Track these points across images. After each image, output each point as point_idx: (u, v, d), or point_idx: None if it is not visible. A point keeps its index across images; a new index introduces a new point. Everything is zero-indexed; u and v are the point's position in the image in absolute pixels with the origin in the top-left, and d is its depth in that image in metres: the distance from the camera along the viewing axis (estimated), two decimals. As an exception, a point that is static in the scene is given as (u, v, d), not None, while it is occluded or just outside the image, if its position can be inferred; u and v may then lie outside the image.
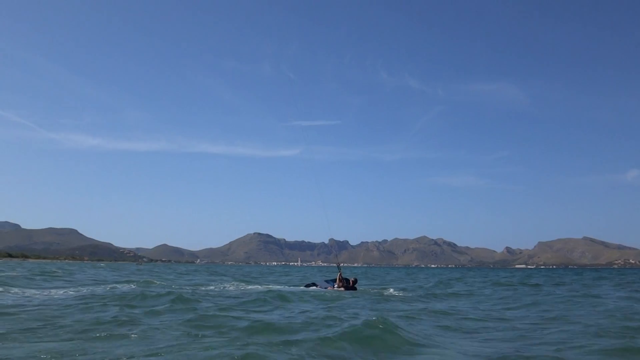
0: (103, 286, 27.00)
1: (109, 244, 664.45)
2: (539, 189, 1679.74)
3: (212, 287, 28.83)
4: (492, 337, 10.68)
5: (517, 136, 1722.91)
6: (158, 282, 29.79)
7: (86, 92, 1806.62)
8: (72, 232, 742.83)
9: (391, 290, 31.18)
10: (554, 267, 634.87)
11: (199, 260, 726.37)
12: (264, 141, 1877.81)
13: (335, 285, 29.71)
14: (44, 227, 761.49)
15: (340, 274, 30.36)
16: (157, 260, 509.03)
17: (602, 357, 8.15)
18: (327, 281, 31.49)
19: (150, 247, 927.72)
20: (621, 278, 51.30)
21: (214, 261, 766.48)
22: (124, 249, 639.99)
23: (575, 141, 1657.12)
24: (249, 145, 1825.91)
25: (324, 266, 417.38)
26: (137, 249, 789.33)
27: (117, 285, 25.66)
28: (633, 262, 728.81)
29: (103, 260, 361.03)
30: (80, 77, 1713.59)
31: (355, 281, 29.66)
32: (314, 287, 29.95)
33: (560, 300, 21.95)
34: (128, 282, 31.00)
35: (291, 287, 30.97)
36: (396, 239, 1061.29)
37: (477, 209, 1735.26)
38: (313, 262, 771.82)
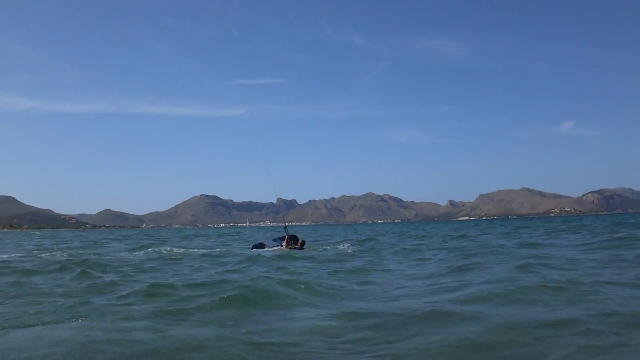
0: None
1: (50, 210, 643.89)
2: (480, 143, 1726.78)
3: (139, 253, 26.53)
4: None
5: (459, 91, 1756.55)
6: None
7: (20, 51, 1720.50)
8: (10, 200, 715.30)
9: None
10: (495, 217, 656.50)
11: (144, 225, 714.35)
12: (209, 101, 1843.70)
13: (284, 245, 28.45)
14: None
15: (287, 234, 29.19)
16: (100, 226, 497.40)
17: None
18: (274, 240, 30.39)
19: (94, 212, 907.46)
20: (545, 227, 51.79)
21: (160, 225, 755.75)
22: (65, 215, 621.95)
23: (513, 95, 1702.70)
24: (194, 105, 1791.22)
25: (273, 226, 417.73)
26: (80, 215, 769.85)
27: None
28: (569, 209, 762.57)
29: (44, 228, 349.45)
30: (13, 36, 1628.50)
31: (303, 242, 28.51)
32: (266, 249, 28.49)
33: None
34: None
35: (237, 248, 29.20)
36: (343, 196, 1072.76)
37: (421, 164, 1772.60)
38: (262, 223, 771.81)
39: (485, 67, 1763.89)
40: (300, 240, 28.62)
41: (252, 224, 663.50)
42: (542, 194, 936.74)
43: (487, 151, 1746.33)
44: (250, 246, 31.15)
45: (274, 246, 29.28)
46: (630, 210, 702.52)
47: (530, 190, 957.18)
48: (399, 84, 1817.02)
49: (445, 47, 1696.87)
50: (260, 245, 29.91)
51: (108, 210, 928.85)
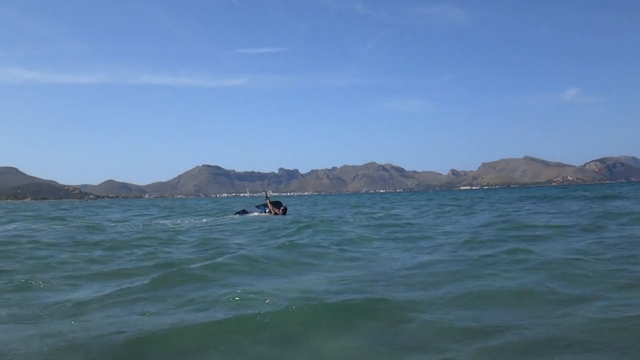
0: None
1: (53, 181, 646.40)
2: (483, 111, 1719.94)
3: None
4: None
5: (462, 59, 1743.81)
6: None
7: (19, 23, 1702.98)
8: (13, 171, 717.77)
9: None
10: (497, 187, 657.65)
11: (147, 195, 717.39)
12: (210, 71, 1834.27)
13: (267, 210, 29.69)
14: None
15: (268, 201, 30.37)
16: (103, 197, 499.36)
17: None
18: (257, 207, 31.15)
19: (96, 183, 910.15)
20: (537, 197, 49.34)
21: (163, 195, 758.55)
22: (68, 186, 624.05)
23: (516, 62, 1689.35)
24: (194, 75, 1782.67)
25: (275, 195, 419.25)
26: (83, 185, 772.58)
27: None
28: (571, 179, 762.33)
29: (47, 199, 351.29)
30: (12, 8, 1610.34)
31: (285, 209, 29.60)
32: (246, 215, 29.40)
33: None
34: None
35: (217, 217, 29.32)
36: (345, 165, 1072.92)
37: (423, 133, 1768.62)
38: (263, 192, 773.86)
39: (487, 33, 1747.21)
40: (282, 207, 29.51)
41: (254, 194, 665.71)
42: (544, 163, 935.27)
43: (489, 119, 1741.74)
44: (234, 212, 31.83)
45: (256, 212, 30.22)
46: (633, 179, 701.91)
47: (532, 159, 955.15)
48: (401, 51, 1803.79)
49: (448, 13, 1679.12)
50: (243, 212, 30.78)
51: (111, 180, 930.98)
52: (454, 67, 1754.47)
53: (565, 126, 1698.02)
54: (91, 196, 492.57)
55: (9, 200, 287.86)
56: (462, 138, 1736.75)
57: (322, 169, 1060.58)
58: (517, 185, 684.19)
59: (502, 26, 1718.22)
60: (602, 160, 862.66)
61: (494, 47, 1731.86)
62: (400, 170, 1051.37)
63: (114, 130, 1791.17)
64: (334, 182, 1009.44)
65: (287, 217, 27.70)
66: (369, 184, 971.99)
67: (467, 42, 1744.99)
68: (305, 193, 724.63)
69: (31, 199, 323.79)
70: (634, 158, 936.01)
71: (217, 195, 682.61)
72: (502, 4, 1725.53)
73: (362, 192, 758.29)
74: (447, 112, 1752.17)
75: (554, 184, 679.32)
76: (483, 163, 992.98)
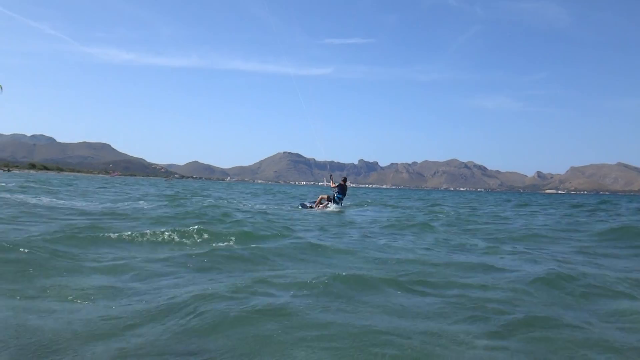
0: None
1: (142, 159, 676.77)
2: (575, 112, 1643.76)
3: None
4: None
5: (556, 57, 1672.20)
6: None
7: (119, 6, 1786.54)
8: (106, 147, 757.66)
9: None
10: (585, 192, 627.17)
11: (229, 178, 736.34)
12: (297, 59, 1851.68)
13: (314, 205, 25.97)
14: (78, 141, 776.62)
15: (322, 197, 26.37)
16: (188, 177, 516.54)
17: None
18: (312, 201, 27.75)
19: (182, 163, 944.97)
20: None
21: (244, 179, 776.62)
22: (156, 164, 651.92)
23: (614, 63, 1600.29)
24: (282, 62, 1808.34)
25: (354, 187, 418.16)
26: (169, 165, 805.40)
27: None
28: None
29: (135, 175, 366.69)
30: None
31: (330, 198, 25.79)
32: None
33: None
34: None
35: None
36: (426, 161, 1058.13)
37: (510, 132, 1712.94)
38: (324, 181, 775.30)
39: (585, 31, 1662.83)
40: (329, 196, 25.84)
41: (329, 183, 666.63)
42: (639, 171, 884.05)
43: (581, 122, 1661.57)
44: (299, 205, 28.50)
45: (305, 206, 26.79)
46: None
47: (626, 166, 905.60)
48: (492, 47, 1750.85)
49: (544, 10, 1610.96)
50: (304, 205, 27.49)
51: (195, 162, 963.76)
52: (547, 65, 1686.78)
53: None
54: (176, 175, 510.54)
55: (100, 175, 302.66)
56: (551, 139, 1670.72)
57: (402, 163, 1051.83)
58: (607, 192, 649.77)
59: (601, 24, 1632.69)
60: None
61: (591, 45, 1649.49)
62: (482, 169, 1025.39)
63: (202, 113, 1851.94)
64: (414, 176, 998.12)
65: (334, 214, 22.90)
66: (450, 181, 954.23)
67: (563, 39, 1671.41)
68: (384, 186, 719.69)
69: (120, 174, 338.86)
70: None
71: (296, 183, 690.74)
72: (603, 2, 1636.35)
73: (442, 188, 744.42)
74: (536, 111, 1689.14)
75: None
76: (571, 167, 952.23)
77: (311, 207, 26.06)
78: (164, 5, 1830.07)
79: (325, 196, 26.25)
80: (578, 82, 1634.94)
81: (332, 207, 25.17)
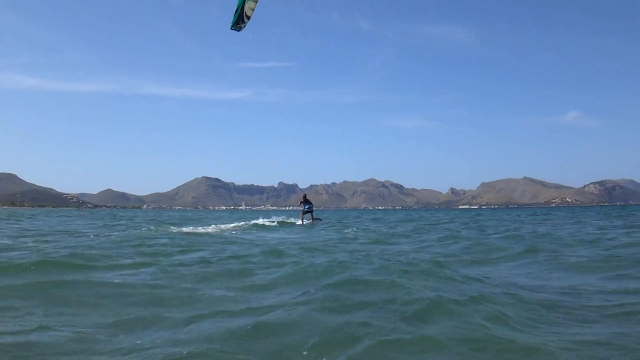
0: None
1: (51, 189, 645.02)
2: (484, 131, 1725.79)
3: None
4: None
5: (465, 79, 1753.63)
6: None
7: (24, 30, 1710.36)
8: (12, 177, 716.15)
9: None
10: (496, 206, 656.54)
11: (145, 206, 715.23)
12: (213, 83, 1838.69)
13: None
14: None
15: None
16: (101, 206, 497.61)
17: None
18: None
19: (95, 192, 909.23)
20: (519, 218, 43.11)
21: (161, 206, 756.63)
22: (67, 194, 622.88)
23: (518, 83, 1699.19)
24: (198, 86, 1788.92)
25: (273, 210, 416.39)
26: (81, 194, 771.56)
27: None
28: (569, 200, 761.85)
29: (44, 206, 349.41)
30: (17, 14, 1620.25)
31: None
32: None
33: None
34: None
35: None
36: (345, 181, 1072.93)
37: (424, 151, 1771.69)
38: (262, 206, 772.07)
39: (491, 55, 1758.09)
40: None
41: (253, 207, 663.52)
42: (543, 184, 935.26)
43: (490, 140, 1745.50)
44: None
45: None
46: (632, 202, 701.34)
47: (532, 180, 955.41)
48: (405, 70, 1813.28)
49: (452, 34, 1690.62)
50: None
51: (109, 190, 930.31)
52: (457, 87, 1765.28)
53: (565, 148, 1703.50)
54: (89, 205, 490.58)
55: (5, 207, 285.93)
56: (462, 157, 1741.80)
57: (321, 184, 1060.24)
58: (515, 205, 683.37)
59: (506, 48, 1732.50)
60: (601, 183, 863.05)
61: (497, 68, 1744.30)
62: (399, 187, 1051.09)
63: (114, 139, 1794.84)
64: (333, 197, 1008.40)
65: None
66: (368, 200, 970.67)
67: (471, 63, 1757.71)
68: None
69: (28, 206, 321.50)
70: (632, 181, 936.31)
71: (216, 208, 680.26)
72: (507, 27, 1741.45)
73: (361, 208, 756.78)
74: (447, 131, 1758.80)
75: (553, 204, 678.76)
76: (482, 182, 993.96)
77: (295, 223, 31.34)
78: (73, 30, 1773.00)
79: (302, 213, 32.24)
80: (484, 102, 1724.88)
81: (307, 220, 31.85)
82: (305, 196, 32.67)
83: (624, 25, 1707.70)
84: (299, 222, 31.16)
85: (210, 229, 25.85)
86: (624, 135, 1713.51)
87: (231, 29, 14.81)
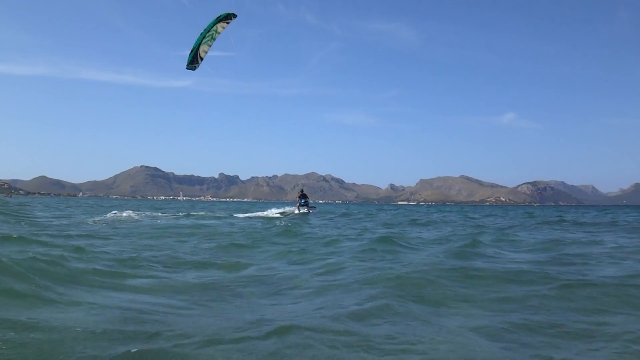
0: None
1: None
2: (423, 129, 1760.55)
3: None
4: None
5: (407, 76, 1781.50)
6: None
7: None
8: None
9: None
10: (433, 203, 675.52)
11: (81, 194, 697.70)
12: (155, 71, 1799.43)
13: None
14: None
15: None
16: (34, 193, 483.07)
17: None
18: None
19: (28, 178, 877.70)
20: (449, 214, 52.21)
21: (98, 194, 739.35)
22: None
23: (459, 83, 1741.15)
24: (139, 74, 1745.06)
25: (214, 201, 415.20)
26: (13, 180, 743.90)
27: None
28: (503, 199, 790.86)
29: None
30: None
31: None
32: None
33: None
34: None
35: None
36: (286, 174, 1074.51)
37: (365, 147, 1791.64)
38: (202, 197, 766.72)
39: (433, 54, 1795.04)
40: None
41: (192, 198, 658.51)
42: (479, 183, 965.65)
43: (429, 137, 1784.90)
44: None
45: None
46: (561, 203, 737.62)
47: (468, 179, 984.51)
48: (349, 65, 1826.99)
49: (397, 32, 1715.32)
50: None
51: (43, 177, 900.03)
52: (399, 84, 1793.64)
53: (501, 148, 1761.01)
54: (21, 192, 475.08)
55: None
56: (402, 154, 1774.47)
57: (262, 177, 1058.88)
58: (452, 203, 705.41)
59: (448, 48, 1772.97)
60: (533, 184, 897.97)
61: (439, 67, 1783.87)
62: (340, 182, 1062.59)
63: (50, 125, 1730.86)
64: (274, 190, 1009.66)
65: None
66: (309, 194, 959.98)
67: (413, 60, 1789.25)
68: (245, 200, 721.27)
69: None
70: (563, 183, 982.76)
71: (154, 197, 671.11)
72: (450, 27, 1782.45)
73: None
74: (389, 127, 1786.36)
75: (487, 203, 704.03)
76: (421, 179, 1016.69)
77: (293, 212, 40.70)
78: (9, 9, 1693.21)
79: (298, 205, 41.69)
80: (425, 100, 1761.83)
81: (303, 209, 41.17)
82: (302, 191, 42.94)
83: (563, 29, 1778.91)
84: (296, 210, 40.68)
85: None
86: (557, 139, 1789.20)
87: (187, 68, 17.68)
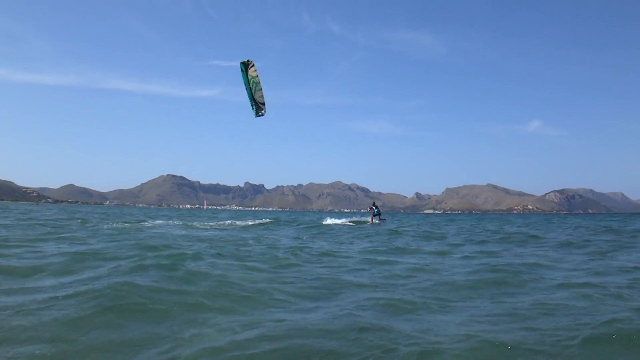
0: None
1: (10, 182, 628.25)
2: (450, 137, 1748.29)
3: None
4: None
5: (433, 85, 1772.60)
6: None
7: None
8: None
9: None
10: (459, 212, 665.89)
11: (108, 202, 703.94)
12: (181, 80, 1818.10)
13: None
14: None
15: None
16: (63, 201, 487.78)
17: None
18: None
19: (56, 187, 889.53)
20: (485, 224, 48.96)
21: (124, 203, 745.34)
22: (27, 188, 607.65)
23: (485, 91, 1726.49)
24: (165, 83, 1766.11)
25: (239, 210, 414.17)
26: (42, 188, 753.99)
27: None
28: (531, 207, 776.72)
29: (3, 200, 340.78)
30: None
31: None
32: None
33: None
34: None
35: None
36: (311, 183, 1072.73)
37: (391, 155, 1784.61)
38: (228, 206, 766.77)
39: (459, 62, 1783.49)
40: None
41: (218, 207, 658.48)
42: (506, 191, 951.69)
43: (456, 146, 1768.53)
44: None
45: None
46: (590, 211, 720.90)
47: (495, 187, 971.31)
48: (374, 74, 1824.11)
49: (421, 40, 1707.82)
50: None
51: (71, 185, 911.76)
52: (425, 92, 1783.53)
53: (528, 156, 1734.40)
54: (49, 200, 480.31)
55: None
56: (428, 162, 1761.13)
57: (287, 185, 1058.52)
58: (479, 212, 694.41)
59: (474, 55, 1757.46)
60: (561, 192, 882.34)
61: (465, 75, 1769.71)
62: (365, 190, 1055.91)
63: (78, 134, 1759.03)
64: (299, 199, 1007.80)
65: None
66: (334, 202, 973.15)
67: (439, 68, 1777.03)
68: (270, 209, 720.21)
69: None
70: (591, 190, 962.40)
71: (180, 206, 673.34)
72: (475, 33, 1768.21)
73: (327, 210, 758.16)
74: (414, 136, 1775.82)
75: (515, 212, 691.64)
76: (447, 188, 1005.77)
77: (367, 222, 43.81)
78: (39, 20, 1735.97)
79: (372, 215, 44.92)
80: (451, 108, 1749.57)
81: (376, 220, 44.34)
82: (374, 203, 46.96)
83: (591, 34, 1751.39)
84: (370, 221, 43.56)
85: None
86: (585, 146, 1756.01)
87: (256, 117, 18.79)
